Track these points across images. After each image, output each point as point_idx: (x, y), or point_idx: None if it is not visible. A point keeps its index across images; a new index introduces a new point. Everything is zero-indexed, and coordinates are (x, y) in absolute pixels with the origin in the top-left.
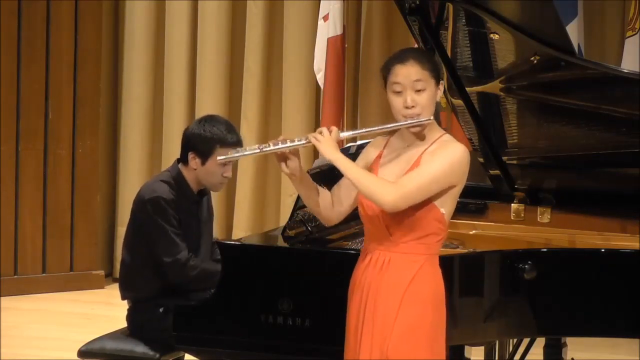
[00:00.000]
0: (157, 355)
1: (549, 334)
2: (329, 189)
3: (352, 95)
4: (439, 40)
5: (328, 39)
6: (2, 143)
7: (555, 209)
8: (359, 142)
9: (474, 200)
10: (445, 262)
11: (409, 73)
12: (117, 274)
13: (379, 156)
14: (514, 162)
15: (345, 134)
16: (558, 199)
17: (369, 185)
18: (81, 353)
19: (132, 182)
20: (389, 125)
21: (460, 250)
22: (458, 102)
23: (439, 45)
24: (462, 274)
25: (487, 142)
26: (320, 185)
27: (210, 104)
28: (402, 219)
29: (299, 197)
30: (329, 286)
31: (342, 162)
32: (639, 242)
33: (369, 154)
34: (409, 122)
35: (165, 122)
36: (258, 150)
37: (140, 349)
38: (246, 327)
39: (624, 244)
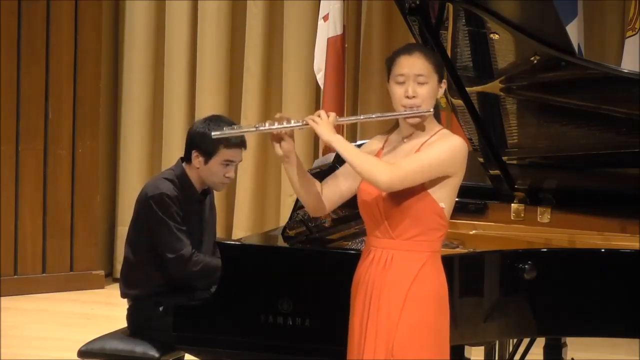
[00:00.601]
0: (157, 355)
1: (549, 334)
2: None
3: (352, 95)
4: (439, 40)
5: (328, 39)
6: (2, 143)
7: (555, 209)
8: (358, 142)
9: (474, 200)
10: (445, 262)
11: (413, 64)
12: (117, 274)
13: (379, 153)
14: (514, 162)
15: (343, 120)
16: (558, 199)
17: (365, 164)
18: (81, 353)
19: (132, 182)
20: (388, 114)
21: (460, 250)
22: (458, 102)
23: (439, 45)
24: (462, 274)
25: (487, 142)
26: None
27: (210, 104)
28: (401, 212)
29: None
30: (329, 286)
31: (339, 143)
32: (639, 242)
33: (369, 149)
34: (409, 112)
35: (165, 122)
36: (254, 129)
37: (140, 349)
38: (246, 327)
39: (624, 244)
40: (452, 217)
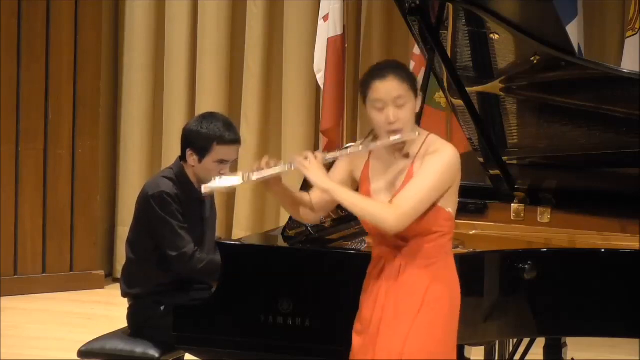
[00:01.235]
0: (157, 355)
1: (549, 334)
2: None
3: (352, 95)
4: (439, 40)
5: (328, 39)
6: (2, 143)
7: (555, 209)
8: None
9: (474, 200)
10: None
11: (389, 89)
12: (117, 274)
13: (367, 168)
14: (514, 162)
15: (330, 156)
16: (558, 199)
17: (367, 210)
18: (81, 353)
19: (132, 182)
20: (376, 144)
21: (460, 250)
22: (458, 102)
23: (439, 45)
24: (462, 274)
25: (487, 142)
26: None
27: (210, 104)
28: (414, 227)
29: None
30: (329, 286)
31: (335, 191)
32: (639, 242)
33: (354, 160)
34: (395, 138)
35: (165, 122)
36: (242, 181)
37: (140, 349)
38: (246, 327)
39: (624, 244)
40: None
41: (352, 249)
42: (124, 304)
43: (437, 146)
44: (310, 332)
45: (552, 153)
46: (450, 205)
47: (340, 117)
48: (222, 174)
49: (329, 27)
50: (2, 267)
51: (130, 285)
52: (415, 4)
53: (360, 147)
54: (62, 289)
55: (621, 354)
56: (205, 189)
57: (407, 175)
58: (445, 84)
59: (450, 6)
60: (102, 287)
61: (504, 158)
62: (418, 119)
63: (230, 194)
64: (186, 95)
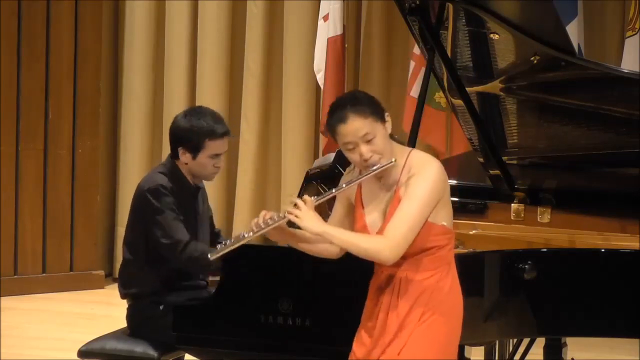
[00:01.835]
0: (157, 355)
1: (549, 334)
2: (330, 188)
3: None
4: (439, 40)
5: (328, 39)
6: (2, 143)
7: (555, 209)
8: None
9: (474, 200)
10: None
11: (354, 130)
12: (117, 274)
13: (359, 196)
14: (514, 162)
15: (319, 200)
16: (558, 199)
17: (361, 247)
18: (81, 353)
19: (132, 182)
20: (356, 180)
21: (460, 250)
22: (458, 102)
23: (439, 45)
24: (462, 274)
25: (487, 142)
26: (321, 184)
27: (210, 104)
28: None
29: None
30: (329, 286)
31: (330, 233)
32: (639, 242)
33: (347, 191)
34: (375, 169)
35: (165, 122)
36: (242, 239)
37: (140, 348)
38: (246, 327)
39: (624, 244)
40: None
41: None
42: (124, 304)
43: (418, 166)
44: (310, 332)
45: (552, 153)
46: (442, 218)
47: None
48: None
49: (329, 27)
50: (2, 267)
51: (128, 286)
52: (415, 4)
53: (344, 185)
54: (62, 289)
55: (621, 354)
56: (212, 257)
57: (394, 202)
58: (445, 84)
59: (450, 6)
60: (102, 287)
61: (504, 158)
62: (417, 121)
63: (230, 194)
64: (186, 96)
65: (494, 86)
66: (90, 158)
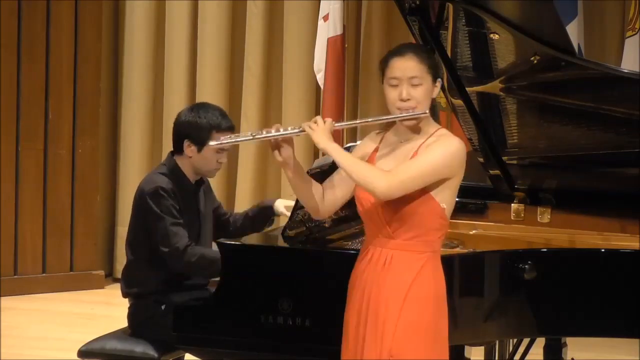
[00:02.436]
0: (157, 355)
1: (549, 334)
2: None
3: (352, 95)
4: (439, 40)
5: (328, 39)
6: (2, 143)
7: (555, 209)
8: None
9: (474, 200)
10: (445, 262)
11: (406, 67)
12: (117, 274)
13: (375, 150)
14: (514, 162)
15: (340, 125)
16: (558, 199)
17: (362, 172)
18: (81, 353)
19: (132, 182)
20: (384, 117)
21: (460, 250)
22: (458, 102)
23: (439, 45)
24: (462, 274)
25: (487, 142)
26: (321, 184)
27: None
28: (403, 215)
29: None
30: (328, 286)
31: (335, 151)
32: (639, 242)
33: (365, 148)
34: (405, 115)
35: (165, 122)
36: (250, 137)
37: (140, 348)
38: (246, 327)
39: (624, 244)
40: (452, 217)
41: (352, 249)
42: (124, 304)
43: (446, 136)
44: (310, 332)
45: (552, 153)
46: (446, 201)
47: (340, 117)
48: (220, 162)
49: (329, 27)
50: (2, 267)
51: (130, 285)
52: (415, 4)
53: (370, 119)
54: (62, 289)
55: (621, 354)
56: (213, 144)
57: (410, 158)
58: (445, 84)
59: (450, 6)
60: (102, 287)
61: (504, 158)
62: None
63: (230, 194)
64: (186, 96)
65: (494, 86)
66: (90, 158)
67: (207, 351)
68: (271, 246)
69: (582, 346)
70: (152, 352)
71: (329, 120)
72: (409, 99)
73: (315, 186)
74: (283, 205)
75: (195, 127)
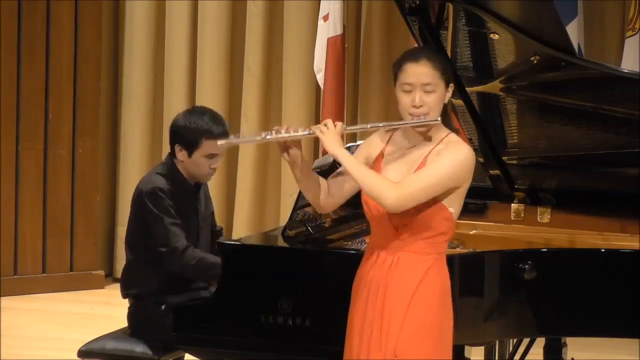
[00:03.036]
0: (157, 355)
1: (549, 334)
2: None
3: (352, 95)
4: (439, 40)
5: (328, 39)
6: (2, 143)
7: (555, 209)
8: (359, 142)
9: (474, 200)
10: (446, 262)
11: (420, 73)
12: (117, 274)
13: (382, 153)
14: (514, 162)
15: (350, 129)
16: (558, 199)
17: (372, 184)
18: (81, 353)
19: (132, 182)
20: (395, 123)
21: (460, 250)
22: (458, 102)
23: (439, 45)
24: (462, 274)
25: (487, 142)
26: None
27: (210, 104)
28: (411, 219)
29: (298, 198)
30: (329, 286)
31: (345, 159)
32: (639, 242)
33: (371, 147)
34: (416, 121)
35: (165, 122)
36: (259, 138)
37: (140, 348)
38: (246, 327)
39: (624, 244)
40: None
41: (352, 249)
42: (124, 304)
43: (456, 143)
44: (310, 332)
45: (552, 153)
46: (453, 206)
47: (340, 117)
48: (213, 168)
49: (329, 27)
50: (2, 267)
51: (130, 286)
52: (415, 4)
53: (381, 124)
54: (62, 289)
55: (621, 354)
56: (222, 143)
57: (419, 166)
58: None
59: (450, 6)
60: (102, 287)
61: (504, 158)
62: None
63: (230, 193)
64: (186, 96)
65: (494, 86)
66: (90, 158)
67: (207, 351)
68: (271, 246)
69: (582, 346)
70: (152, 352)
71: (339, 124)
72: (421, 105)
73: (322, 182)
74: None
75: (185, 132)
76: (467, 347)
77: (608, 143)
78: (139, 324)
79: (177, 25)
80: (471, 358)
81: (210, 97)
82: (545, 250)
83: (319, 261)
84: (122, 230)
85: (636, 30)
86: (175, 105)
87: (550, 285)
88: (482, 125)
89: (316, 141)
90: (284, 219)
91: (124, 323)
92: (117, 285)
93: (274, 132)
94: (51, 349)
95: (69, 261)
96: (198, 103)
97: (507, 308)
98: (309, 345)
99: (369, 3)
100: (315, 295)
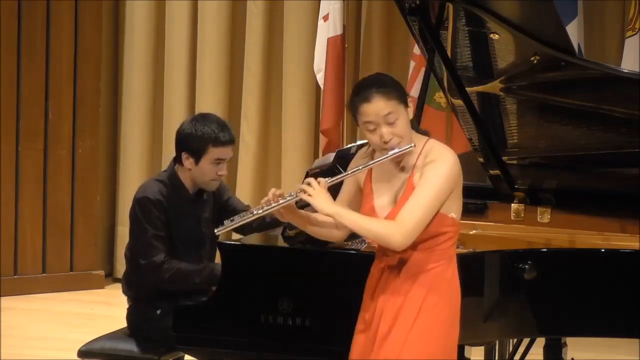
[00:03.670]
0: (157, 356)
1: (549, 334)
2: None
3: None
4: (439, 40)
5: (328, 39)
6: (2, 143)
7: (555, 209)
8: (358, 142)
9: (474, 200)
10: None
11: (377, 110)
12: (117, 274)
13: (369, 177)
14: (514, 162)
15: (332, 180)
16: (558, 199)
17: (374, 231)
18: (81, 353)
19: (132, 182)
20: (375, 161)
21: (460, 250)
22: (458, 102)
23: (439, 45)
24: (462, 274)
25: (487, 142)
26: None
27: (210, 104)
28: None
29: None
30: (329, 286)
31: (342, 215)
32: (639, 242)
33: (356, 177)
34: (392, 153)
35: (165, 122)
36: (251, 215)
37: (139, 349)
38: (246, 327)
39: (624, 244)
40: None
41: (352, 249)
42: (124, 304)
43: (435, 154)
44: (310, 332)
45: (552, 153)
46: (453, 210)
47: (340, 117)
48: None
49: (329, 27)
50: (2, 267)
51: (128, 287)
52: (415, 4)
53: (361, 167)
54: (62, 289)
55: (621, 354)
56: (218, 231)
57: (407, 187)
58: (445, 84)
59: (450, 6)
60: (102, 287)
61: (504, 158)
62: (417, 121)
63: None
64: (186, 96)
65: (494, 86)
66: (90, 158)
67: (207, 351)
68: (271, 246)
69: (582, 346)
70: (152, 352)
71: (322, 180)
72: (391, 139)
73: (327, 219)
74: None
75: (192, 140)
76: (467, 347)
77: (608, 143)
78: (137, 325)
79: (177, 25)
80: (471, 358)
81: (210, 97)
82: (545, 250)
83: (319, 261)
84: (122, 230)
85: (636, 30)
86: (175, 105)
87: (550, 285)
88: (482, 125)
89: (316, 141)
90: None
91: (124, 323)
92: (117, 285)
93: (264, 205)
94: (51, 349)
95: (69, 261)
96: (198, 103)
97: (507, 308)
98: (309, 345)
99: (369, 3)
100: (315, 295)
